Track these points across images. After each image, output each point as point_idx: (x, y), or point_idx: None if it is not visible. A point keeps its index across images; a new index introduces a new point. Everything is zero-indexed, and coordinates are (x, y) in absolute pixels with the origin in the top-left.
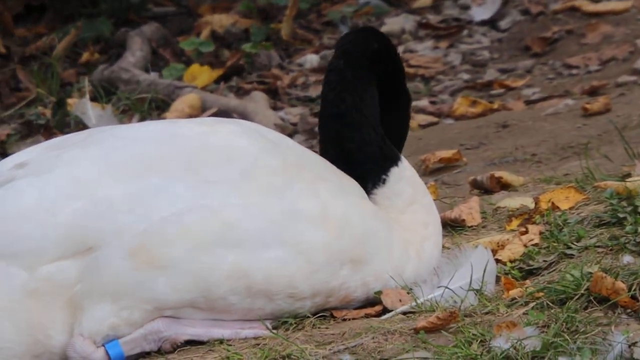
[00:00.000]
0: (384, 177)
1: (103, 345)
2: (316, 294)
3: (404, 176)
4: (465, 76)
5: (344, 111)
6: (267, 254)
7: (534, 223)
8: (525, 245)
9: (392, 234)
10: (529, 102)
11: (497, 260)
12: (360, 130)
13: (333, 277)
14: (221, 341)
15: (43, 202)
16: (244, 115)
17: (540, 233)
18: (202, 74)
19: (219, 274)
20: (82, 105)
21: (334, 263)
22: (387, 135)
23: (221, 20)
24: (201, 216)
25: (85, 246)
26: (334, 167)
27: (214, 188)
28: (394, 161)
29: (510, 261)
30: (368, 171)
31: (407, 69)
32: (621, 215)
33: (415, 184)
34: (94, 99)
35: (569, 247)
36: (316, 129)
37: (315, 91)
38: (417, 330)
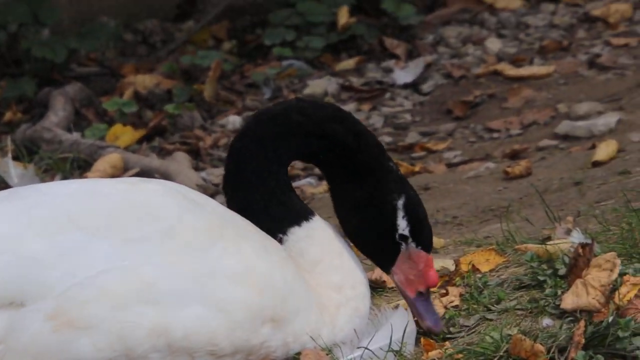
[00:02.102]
0: (280, 236)
1: None
2: (237, 352)
3: (308, 235)
4: (388, 139)
5: (239, 179)
6: (187, 311)
7: (454, 285)
8: (445, 307)
9: (310, 297)
10: (450, 165)
11: (417, 322)
12: (250, 192)
13: (254, 335)
14: None
15: None
16: (166, 176)
17: (461, 295)
18: (124, 134)
19: (140, 332)
20: (4, 164)
21: (255, 321)
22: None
23: (144, 81)
24: (120, 276)
25: (8, 300)
26: (256, 228)
27: (135, 246)
28: (294, 221)
29: None
30: (267, 230)
31: None
32: (541, 278)
33: (325, 245)
34: (16, 158)
35: (489, 310)
36: None
37: None
38: None
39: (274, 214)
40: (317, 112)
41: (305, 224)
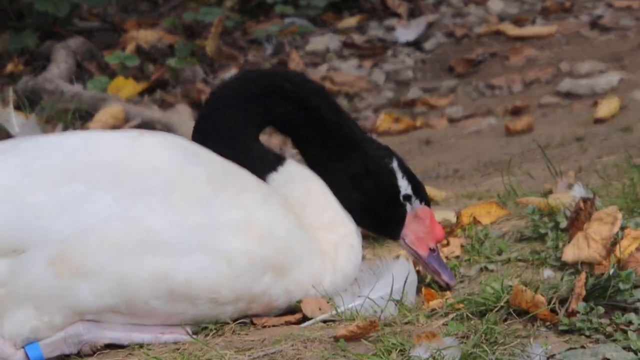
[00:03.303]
0: None
1: (23, 348)
2: (238, 299)
3: (289, 179)
4: (389, 94)
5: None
6: (189, 259)
7: (456, 236)
8: (447, 258)
9: (312, 245)
10: (451, 121)
11: (418, 272)
12: (218, 143)
13: (255, 284)
14: (141, 345)
15: None
16: (167, 127)
17: (462, 246)
18: (126, 86)
19: (141, 279)
20: (6, 114)
21: (256, 270)
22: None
23: (147, 36)
24: (123, 224)
25: (11, 248)
26: (258, 179)
27: (138, 198)
28: (270, 167)
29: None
30: None
31: (330, 86)
32: (542, 231)
33: (307, 184)
34: (18, 108)
35: (490, 261)
36: None
37: None
38: (336, 339)
39: (247, 165)
40: (304, 84)
41: (281, 169)
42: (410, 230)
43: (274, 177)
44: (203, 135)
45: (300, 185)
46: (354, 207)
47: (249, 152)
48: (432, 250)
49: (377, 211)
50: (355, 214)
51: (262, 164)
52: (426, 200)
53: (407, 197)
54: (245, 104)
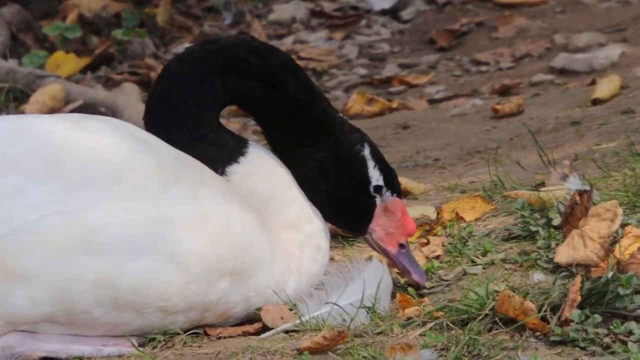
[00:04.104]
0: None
1: None
2: (191, 308)
3: (251, 171)
4: (362, 71)
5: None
6: (136, 262)
7: (435, 235)
8: (427, 258)
9: (275, 246)
10: (432, 101)
11: (399, 274)
12: (175, 126)
13: (210, 290)
14: (81, 359)
15: None
16: (113, 109)
17: (443, 246)
18: (66, 62)
19: (82, 285)
20: None
21: (212, 274)
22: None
23: (89, 4)
24: (61, 222)
25: None
26: (212, 172)
27: (78, 191)
28: (231, 158)
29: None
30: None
31: (297, 62)
32: (533, 229)
33: (272, 177)
34: None
35: (474, 263)
36: None
37: None
38: (300, 351)
39: (206, 154)
40: (271, 57)
41: (243, 160)
42: (379, 224)
43: (235, 168)
44: (156, 118)
45: (264, 178)
46: (320, 198)
47: (208, 137)
48: (401, 247)
49: (343, 203)
50: (321, 206)
51: (222, 153)
52: (398, 192)
53: (378, 189)
54: (204, 80)
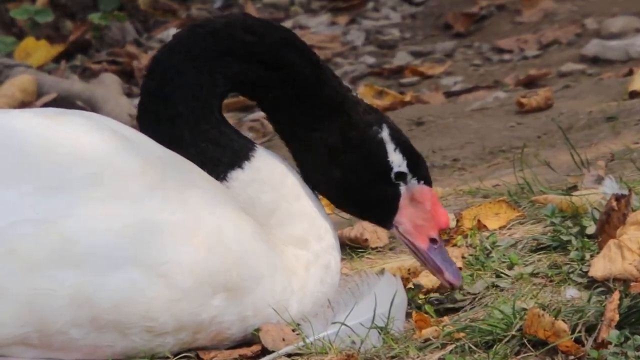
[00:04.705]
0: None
1: None
2: (181, 329)
3: (255, 179)
4: (370, 60)
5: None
6: (118, 276)
7: (455, 245)
8: None
9: (275, 260)
10: (449, 94)
11: (409, 291)
12: (174, 124)
13: (202, 309)
14: None
15: None
16: (91, 103)
17: (463, 257)
18: (38, 50)
19: (57, 302)
20: None
21: (204, 290)
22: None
23: None
24: (33, 231)
25: None
26: (204, 173)
27: (53, 196)
28: (235, 163)
29: (425, 292)
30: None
31: None
32: (565, 238)
33: (278, 187)
34: None
35: (499, 276)
36: None
37: None
38: None
39: (207, 154)
40: (270, 33)
41: (247, 165)
42: (406, 216)
43: (237, 174)
44: (151, 119)
45: (268, 187)
46: (337, 188)
47: (209, 135)
48: (433, 242)
49: (362, 193)
50: (339, 198)
51: (224, 155)
52: (426, 179)
53: (401, 175)
54: (199, 69)
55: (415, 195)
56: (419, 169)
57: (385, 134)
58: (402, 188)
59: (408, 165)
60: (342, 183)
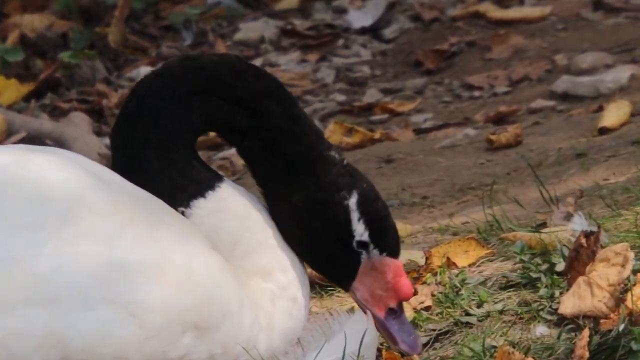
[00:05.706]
0: (182, 210)
1: None
2: None
3: (219, 208)
4: (340, 97)
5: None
6: (89, 315)
7: (424, 283)
8: (414, 310)
9: (242, 294)
10: (419, 131)
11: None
12: (144, 151)
13: (172, 347)
14: None
15: None
16: (60, 142)
17: (433, 295)
18: (7, 88)
19: (29, 342)
20: None
21: (174, 328)
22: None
23: (33, 22)
24: (4, 269)
25: None
26: (173, 210)
27: (23, 234)
28: (197, 191)
29: None
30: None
31: None
32: (534, 276)
33: (242, 217)
34: None
35: (468, 314)
36: None
37: None
38: None
39: (173, 183)
40: (256, 80)
41: (211, 194)
42: (363, 283)
43: (200, 202)
44: (122, 140)
45: (232, 217)
46: (296, 243)
47: (177, 165)
48: (391, 311)
49: (320, 254)
50: (298, 249)
51: (190, 184)
52: (390, 251)
53: (363, 245)
54: (180, 100)
55: (376, 265)
56: (382, 240)
57: (352, 201)
58: (364, 256)
59: (370, 236)
60: (304, 241)
